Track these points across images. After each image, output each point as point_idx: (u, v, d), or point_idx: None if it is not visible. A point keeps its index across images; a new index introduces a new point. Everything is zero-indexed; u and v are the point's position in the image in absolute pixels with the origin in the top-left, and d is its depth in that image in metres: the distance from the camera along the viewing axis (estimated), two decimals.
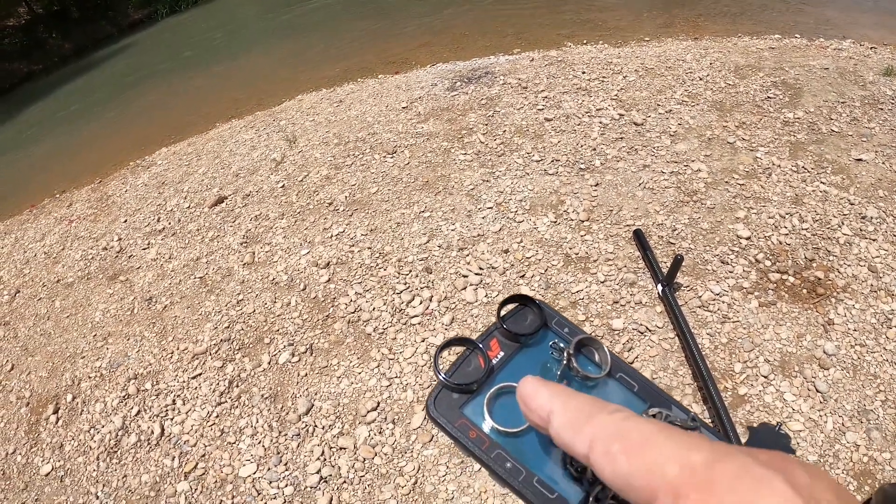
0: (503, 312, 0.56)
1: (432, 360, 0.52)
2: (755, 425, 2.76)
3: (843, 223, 3.78)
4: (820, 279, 3.45)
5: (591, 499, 0.43)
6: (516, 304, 0.58)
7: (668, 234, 3.94)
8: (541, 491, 0.45)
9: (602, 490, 0.43)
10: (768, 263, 3.61)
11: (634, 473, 0.30)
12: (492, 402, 0.50)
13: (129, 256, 5.40)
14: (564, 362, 0.51)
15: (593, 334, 0.52)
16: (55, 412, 4.00)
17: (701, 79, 5.68)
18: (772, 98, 5.19)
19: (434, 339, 3.54)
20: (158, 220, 5.80)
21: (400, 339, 3.63)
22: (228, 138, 7.31)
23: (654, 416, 0.47)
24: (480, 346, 0.54)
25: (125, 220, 6.06)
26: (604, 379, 0.52)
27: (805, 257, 3.60)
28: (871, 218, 3.77)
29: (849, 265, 3.50)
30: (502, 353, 0.54)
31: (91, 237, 6.01)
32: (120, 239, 5.72)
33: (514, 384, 0.49)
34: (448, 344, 0.55)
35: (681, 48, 6.66)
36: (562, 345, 0.54)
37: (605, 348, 0.52)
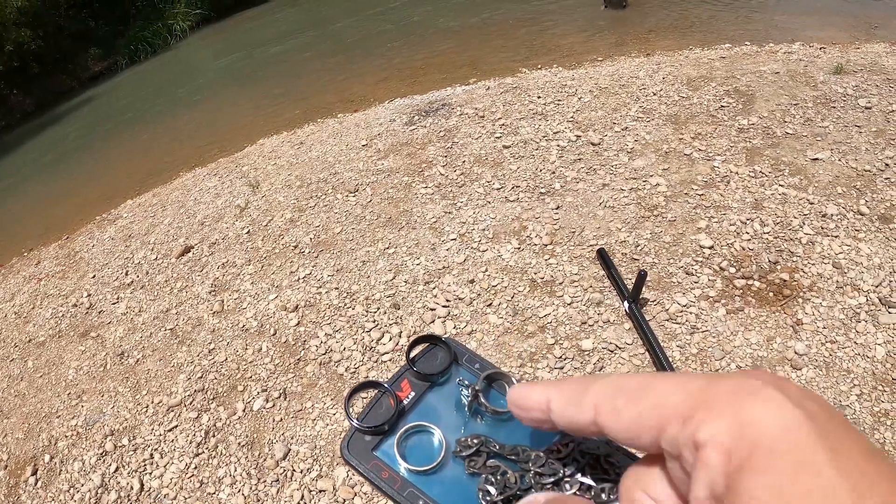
0: (413, 353, 0.58)
1: (343, 404, 0.56)
2: None
3: (804, 223, 3.87)
4: (785, 281, 3.53)
5: None
6: (426, 343, 0.59)
7: (632, 250, 4.01)
8: None
9: None
10: (733, 270, 3.68)
11: (643, 414, 0.32)
12: (402, 442, 0.52)
13: (100, 312, 5.38)
14: (471, 398, 0.53)
15: (502, 368, 0.53)
16: (34, 473, 3.96)
17: (655, 94, 5.79)
18: (725, 107, 5.30)
19: None
20: (126, 274, 5.79)
21: (372, 376, 3.66)
22: (192, 187, 7.31)
23: (566, 444, 0.49)
24: (390, 388, 0.55)
25: (93, 276, 6.04)
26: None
27: (769, 261, 3.68)
28: (832, 215, 3.87)
29: (813, 264, 3.59)
30: (413, 394, 0.55)
31: (60, 294, 5.97)
32: (89, 295, 5.70)
33: (423, 423, 0.52)
34: (358, 388, 0.57)
35: (633, 65, 6.77)
36: (467, 381, 0.55)
37: (514, 380, 0.54)
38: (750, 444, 0.27)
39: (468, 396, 0.54)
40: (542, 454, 0.49)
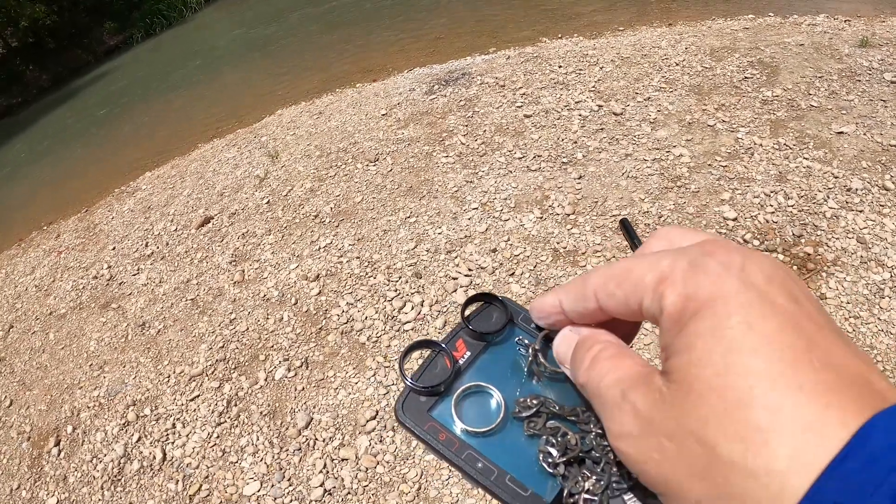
0: (468, 312, 0.56)
1: (397, 364, 0.52)
2: None
3: (828, 197, 3.79)
4: (809, 255, 3.48)
5: (565, 493, 0.44)
6: (481, 302, 0.57)
7: (655, 220, 3.96)
8: (514, 489, 0.45)
9: (576, 484, 0.44)
10: (757, 243, 3.63)
11: (628, 292, 0.38)
12: (459, 403, 0.50)
13: (120, 283, 5.39)
14: (531, 358, 0.51)
15: None
16: (56, 444, 3.99)
17: (677, 64, 5.69)
18: (749, 78, 5.20)
19: None
20: (146, 245, 5.79)
21: (394, 346, 3.64)
22: (211, 158, 7.30)
23: None
24: (445, 347, 0.53)
25: (113, 248, 6.05)
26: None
27: (793, 234, 3.61)
28: (857, 189, 3.79)
29: (837, 238, 3.52)
30: (469, 353, 0.53)
31: (81, 267, 6.00)
32: (109, 267, 5.71)
33: (481, 383, 0.50)
34: (413, 347, 0.54)
35: (655, 35, 6.67)
36: (527, 341, 0.53)
37: None
38: (689, 311, 0.33)
39: (527, 356, 0.52)
40: None
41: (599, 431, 0.46)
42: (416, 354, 0.53)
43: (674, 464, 0.31)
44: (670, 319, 0.34)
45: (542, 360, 0.51)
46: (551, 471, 0.45)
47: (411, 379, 0.51)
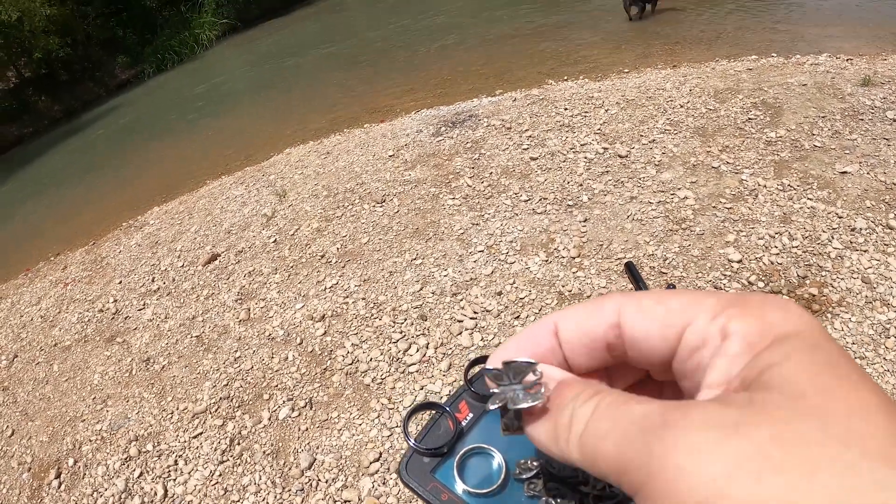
0: (470, 374, 0.57)
1: (402, 425, 0.54)
2: None
3: (832, 237, 3.81)
4: (814, 295, 3.48)
5: None
6: (484, 364, 0.60)
7: (660, 263, 3.98)
8: None
9: None
10: (761, 285, 3.63)
11: (671, 309, 0.34)
12: (462, 464, 0.51)
13: (126, 318, 5.42)
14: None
15: None
16: (57, 477, 3.98)
17: (682, 106, 5.76)
18: (753, 119, 5.26)
19: (433, 385, 3.56)
20: (153, 280, 5.83)
21: (399, 388, 3.64)
22: (219, 195, 7.37)
23: None
24: (448, 409, 0.54)
25: (120, 282, 6.09)
26: None
27: (798, 275, 3.63)
28: (861, 229, 3.81)
29: (842, 279, 3.52)
30: (471, 415, 0.54)
31: (87, 299, 6.02)
32: (115, 300, 5.74)
33: (483, 445, 0.51)
34: (416, 409, 0.56)
35: (660, 77, 6.76)
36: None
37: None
38: (772, 337, 0.29)
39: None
40: None
41: (597, 493, 0.49)
42: (420, 415, 0.55)
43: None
44: (743, 344, 0.30)
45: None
46: None
47: (415, 440, 0.52)
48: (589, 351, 0.38)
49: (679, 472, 0.26)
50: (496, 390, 0.38)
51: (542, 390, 0.36)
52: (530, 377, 0.37)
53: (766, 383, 0.28)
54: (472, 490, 0.49)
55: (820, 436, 0.25)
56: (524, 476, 0.49)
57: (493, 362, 0.41)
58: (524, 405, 0.36)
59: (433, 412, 0.55)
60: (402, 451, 3.41)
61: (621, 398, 0.32)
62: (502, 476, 0.49)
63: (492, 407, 0.38)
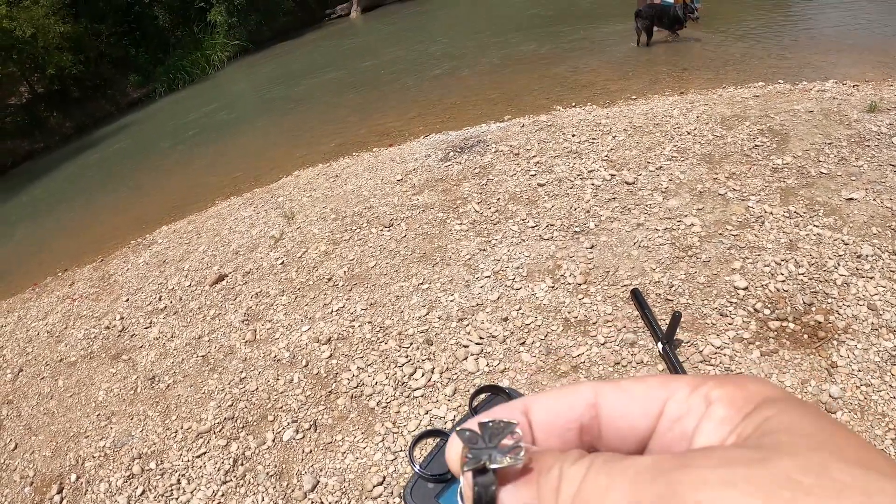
0: (475, 403, 0.59)
1: (407, 451, 0.56)
2: None
3: (838, 264, 3.80)
4: (820, 323, 3.47)
5: None
6: (488, 393, 0.61)
7: (666, 291, 3.98)
8: None
9: None
10: (767, 312, 3.62)
11: (651, 386, 0.34)
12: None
13: (132, 335, 5.44)
14: None
15: None
16: (59, 492, 3.98)
17: (689, 133, 5.79)
18: (759, 146, 5.28)
19: (437, 410, 3.56)
20: (160, 299, 5.86)
21: (403, 412, 3.65)
22: (227, 215, 7.42)
23: None
24: None
25: (127, 299, 6.12)
26: None
27: (804, 302, 3.61)
28: (867, 256, 3.80)
29: (848, 306, 3.51)
30: None
31: (93, 316, 6.05)
32: (122, 318, 5.77)
33: None
34: (422, 436, 0.58)
35: (667, 104, 6.80)
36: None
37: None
38: (758, 401, 0.30)
39: None
40: None
41: None
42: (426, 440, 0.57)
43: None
44: (728, 406, 0.31)
45: None
46: None
47: (420, 466, 0.55)
48: (562, 433, 0.36)
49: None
50: (469, 455, 0.32)
51: (522, 453, 0.32)
52: (507, 441, 0.32)
53: (769, 430, 0.28)
54: None
55: (839, 463, 0.26)
56: None
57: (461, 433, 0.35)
58: (503, 464, 0.31)
59: (438, 439, 0.58)
60: (407, 477, 3.37)
61: (617, 456, 0.30)
62: None
63: (465, 469, 0.32)
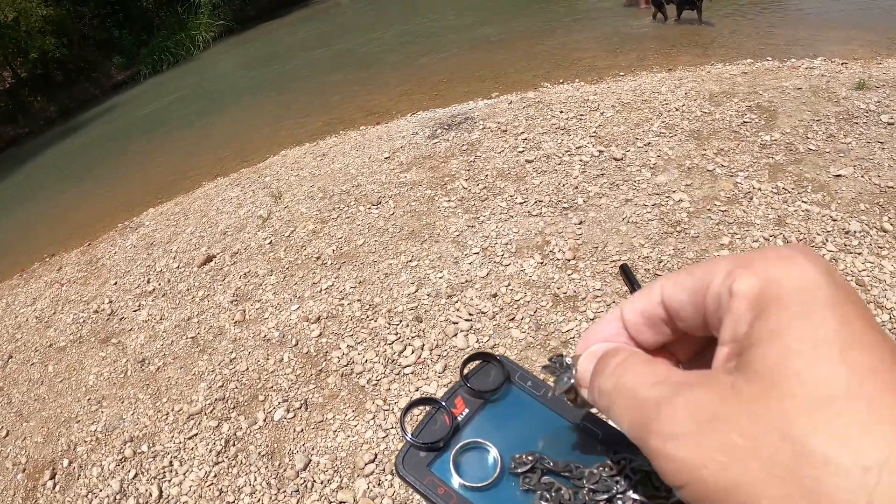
0: (466, 370, 0.58)
1: (398, 420, 0.55)
2: None
3: (827, 240, 3.82)
4: None
5: None
6: (479, 360, 0.59)
7: (655, 266, 3.98)
8: None
9: None
10: None
11: (697, 277, 0.36)
12: (458, 458, 0.52)
13: (121, 319, 5.41)
14: (562, 389, 0.52)
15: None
16: (52, 478, 3.98)
17: (677, 109, 5.77)
18: (748, 122, 5.27)
19: (428, 387, 3.56)
20: (148, 282, 5.82)
21: (394, 389, 3.65)
22: (215, 196, 7.37)
23: (619, 461, 0.50)
24: (445, 404, 0.55)
25: (115, 283, 6.08)
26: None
27: None
28: (855, 232, 3.82)
29: None
30: (467, 410, 0.55)
31: (82, 300, 6.02)
32: (111, 301, 5.73)
33: (478, 440, 0.53)
34: (413, 404, 0.56)
35: (655, 80, 6.77)
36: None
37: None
38: (771, 296, 0.31)
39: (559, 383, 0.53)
40: (595, 471, 0.49)
41: (592, 487, 0.50)
42: (416, 410, 0.56)
43: (746, 464, 0.28)
44: (743, 303, 0.32)
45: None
46: None
47: (412, 435, 0.54)
48: (650, 328, 0.42)
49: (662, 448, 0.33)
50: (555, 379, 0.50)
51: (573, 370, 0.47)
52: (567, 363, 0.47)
53: (748, 364, 0.31)
54: (467, 484, 0.50)
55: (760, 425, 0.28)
56: (519, 470, 0.50)
57: (579, 348, 0.46)
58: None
59: (430, 407, 0.56)
60: (399, 448, 3.33)
61: (637, 359, 0.39)
62: (497, 470, 0.50)
63: (563, 387, 0.48)
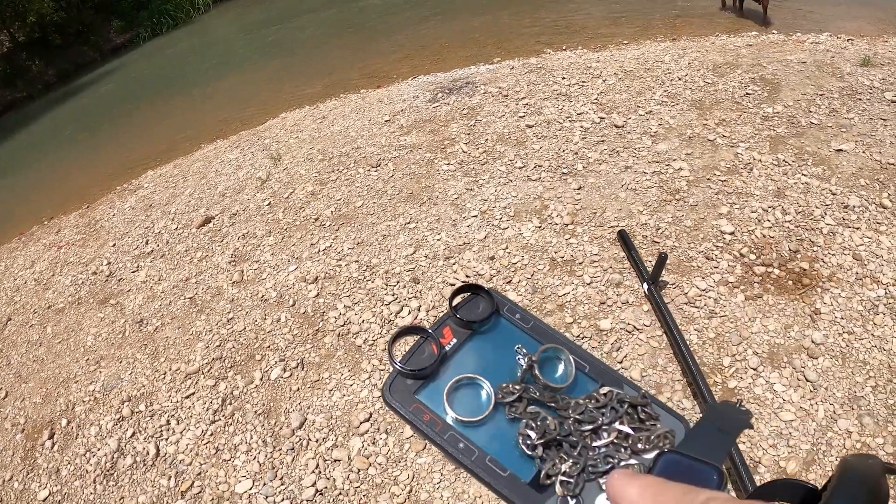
0: (455, 301, 0.58)
1: (387, 348, 0.55)
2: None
3: (825, 213, 3.82)
4: (805, 270, 3.49)
5: (542, 475, 0.47)
6: (469, 293, 0.60)
7: (652, 233, 3.98)
8: (493, 469, 0.48)
9: (553, 466, 0.47)
10: (753, 257, 3.65)
11: None
12: (451, 394, 0.52)
13: (119, 280, 5.41)
14: (526, 367, 0.54)
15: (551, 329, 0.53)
16: (50, 437, 4.00)
17: (680, 79, 5.73)
18: (750, 94, 5.24)
19: None
20: (147, 243, 5.81)
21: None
22: (214, 158, 7.34)
23: (605, 394, 0.51)
24: (433, 333, 0.56)
25: (114, 244, 6.07)
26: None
27: (789, 249, 3.63)
28: (854, 207, 3.82)
29: (833, 255, 3.54)
30: (455, 340, 0.56)
31: (80, 262, 6.01)
32: (109, 263, 5.73)
33: (470, 375, 0.53)
34: (401, 333, 0.57)
35: (659, 49, 6.72)
36: (525, 350, 0.55)
37: (572, 359, 0.55)
38: None
39: (523, 365, 0.54)
40: (581, 402, 0.51)
41: (578, 417, 0.49)
42: (405, 339, 0.56)
43: None
44: None
45: (536, 372, 0.53)
46: (530, 453, 0.48)
47: (399, 363, 0.54)
48: None
49: None
50: None
51: None
52: None
53: None
54: (461, 418, 0.50)
55: None
56: (506, 399, 0.51)
57: None
58: None
59: (418, 336, 0.57)
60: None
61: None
62: (491, 406, 0.51)
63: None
